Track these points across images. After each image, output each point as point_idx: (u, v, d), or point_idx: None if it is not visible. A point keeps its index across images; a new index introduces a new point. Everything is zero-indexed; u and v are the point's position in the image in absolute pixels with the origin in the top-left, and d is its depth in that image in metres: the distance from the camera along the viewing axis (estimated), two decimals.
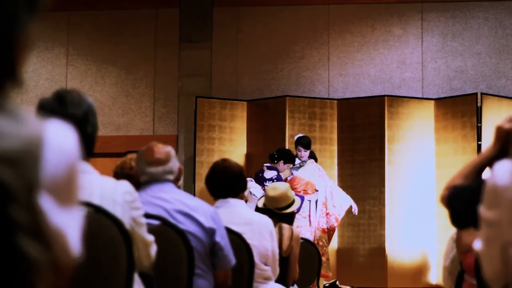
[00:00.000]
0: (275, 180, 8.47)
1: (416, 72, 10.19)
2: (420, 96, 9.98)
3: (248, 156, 9.76)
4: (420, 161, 9.50)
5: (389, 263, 9.26)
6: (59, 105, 2.64)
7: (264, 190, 8.45)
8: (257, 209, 5.00)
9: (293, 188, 8.06)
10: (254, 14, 10.48)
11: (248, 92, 10.27)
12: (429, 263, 9.39)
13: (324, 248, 8.55)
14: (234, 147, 9.81)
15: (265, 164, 8.79)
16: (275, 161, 8.68)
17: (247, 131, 9.87)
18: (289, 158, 8.68)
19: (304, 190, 8.48)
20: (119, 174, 3.95)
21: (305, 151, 8.66)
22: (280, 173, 8.67)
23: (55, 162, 1.13)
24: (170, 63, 10.48)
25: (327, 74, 10.33)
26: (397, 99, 9.61)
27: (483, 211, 1.67)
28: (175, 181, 3.66)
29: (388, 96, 9.61)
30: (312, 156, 8.83)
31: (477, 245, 1.70)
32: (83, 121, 2.64)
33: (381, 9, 10.30)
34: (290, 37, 10.39)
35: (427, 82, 10.15)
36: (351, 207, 8.64)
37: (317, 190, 8.56)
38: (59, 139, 1.15)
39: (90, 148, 2.68)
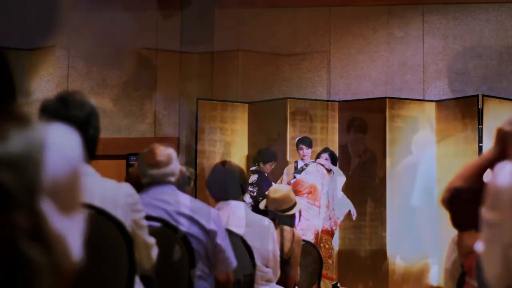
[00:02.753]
0: (255, 185, 8.50)
1: (417, 74, 10.18)
2: (421, 98, 9.98)
3: (249, 158, 9.76)
4: (421, 163, 9.48)
5: (390, 265, 9.25)
6: (61, 107, 2.64)
7: (249, 194, 8.47)
8: (259, 211, 5.00)
9: (297, 191, 8.06)
10: (255, 16, 10.48)
11: (249, 94, 10.26)
12: (430, 265, 9.38)
13: (330, 250, 8.55)
14: (235, 149, 9.81)
15: (250, 169, 8.82)
16: (256, 164, 8.72)
17: (248, 133, 9.87)
18: (267, 157, 8.69)
19: (308, 193, 8.48)
20: (134, 177, 3.92)
21: (307, 149, 8.65)
22: (266, 174, 8.66)
23: (57, 166, 1.13)
24: (171, 65, 10.48)
25: (328, 76, 10.33)
26: (398, 101, 9.60)
27: (485, 212, 1.67)
28: (183, 185, 3.65)
29: (389, 98, 9.60)
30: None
31: (479, 247, 1.70)
32: (86, 123, 2.64)
33: (382, 11, 10.29)
34: (291, 39, 10.39)
35: (428, 84, 10.14)
36: (350, 211, 8.64)
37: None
38: (62, 143, 1.15)
39: (92, 150, 2.68)
